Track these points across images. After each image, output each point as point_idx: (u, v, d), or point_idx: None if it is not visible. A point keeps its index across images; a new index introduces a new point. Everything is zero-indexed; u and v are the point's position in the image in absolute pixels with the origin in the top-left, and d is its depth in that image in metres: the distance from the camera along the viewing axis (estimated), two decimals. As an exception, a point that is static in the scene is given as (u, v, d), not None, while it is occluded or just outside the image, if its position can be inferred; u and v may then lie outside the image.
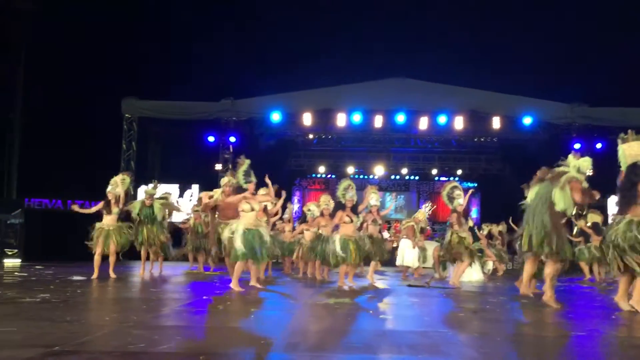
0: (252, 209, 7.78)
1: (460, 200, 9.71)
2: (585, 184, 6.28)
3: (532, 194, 6.67)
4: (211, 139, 20.66)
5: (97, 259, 9.34)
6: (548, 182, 6.38)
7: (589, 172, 6.46)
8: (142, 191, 18.55)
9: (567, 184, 6.15)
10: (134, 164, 19.70)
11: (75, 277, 9.05)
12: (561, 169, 6.39)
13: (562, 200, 6.14)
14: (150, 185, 10.90)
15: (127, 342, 3.56)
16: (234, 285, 7.54)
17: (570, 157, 6.42)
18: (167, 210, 11.00)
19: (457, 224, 9.46)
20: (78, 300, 6.24)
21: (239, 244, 7.45)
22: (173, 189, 20.35)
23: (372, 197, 9.99)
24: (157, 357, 3.24)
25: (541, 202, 6.35)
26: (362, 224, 9.98)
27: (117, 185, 9.81)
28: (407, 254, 12.48)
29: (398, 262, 12.73)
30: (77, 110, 19.09)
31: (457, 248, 9.32)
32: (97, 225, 9.52)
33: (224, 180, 8.37)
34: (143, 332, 3.96)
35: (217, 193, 8.59)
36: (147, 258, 10.99)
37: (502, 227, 13.92)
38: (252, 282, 8.06)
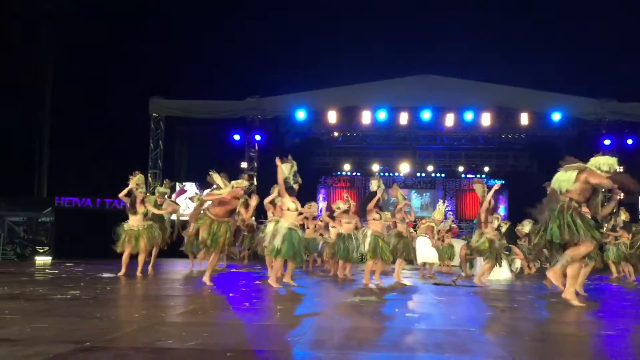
0: (296, 209, 8.09)
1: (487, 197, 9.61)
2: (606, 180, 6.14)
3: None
4: (237, 137, 20.80)
5: (125, 256, 9.46)
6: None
7: (614, 169, 6.30)
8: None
9: (577, 170, 6.13)
10: (161, 163, 19.95)
11: (105, 275, 9.20)
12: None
13: (563, 180, 6.13)
14: (163, 185, 10.76)
15: (156, 339, 3.61)
16: (272, 282, 7.80)
17: (592, 159, 6.37)
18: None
19: (485, 224, 9.40)
20: (107, 297, 6.34)
21: (278, 241, 7.73)
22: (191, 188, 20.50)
23: (400, 196, 10.02)
24: (185, 354, 3.28)
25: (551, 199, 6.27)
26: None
27: (143, 184, 9.94)
28: (426, 251, 12.28)
29: (418, 260, 12.55)
30: (105, 109, 19.39)
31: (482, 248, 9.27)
32: (126, 226, 9.55)
33: (241, 183, 8.24)
34: (171, 329, 4.01)
35: (227, 187, 8.40)
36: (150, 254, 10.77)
37: (528, 225, 13.66)
38: (286, 279, 8.21)
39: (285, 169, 8.25)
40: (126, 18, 20.38)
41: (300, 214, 8.84)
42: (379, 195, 9.19)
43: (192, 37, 22.29)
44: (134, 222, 9.56)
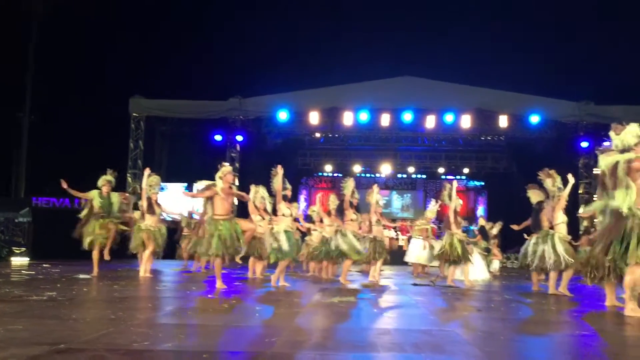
0: (291, 214, 8.55)
1: (460, 201, 9.84)
2: None
3: (599, 205, 5.75)
4: (218, 137, 20.70)
5: (146, 255, 9.71)
6: (612, 191, 5.46)
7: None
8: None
9: (626, 176, 5.32)
10: (141, 163, 19.77)
11: (82, 276, 9.11)
12: (609, 161, 5.54)
13: (624, 199, 5.31)
14: (108, 173, 9.96)
15: (132, 340, 3.59)
16: (274, 282, 8.39)
17: (611, 134, 5.64)
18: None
19: (456, 225, 9.53)
20: (84, 298, 6.28)
21: (285, 245, 8.25)
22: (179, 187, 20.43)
23: (375, 197, 10.07)
24: (160, 355, 3.26)
25: (609, 210, 5.55)
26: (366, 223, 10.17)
27: (157, 184, 10.07)
28: (416, 251, 12.72)
29: (406, 259, 13.07)
30: (84, 109, 19.21)
31: (452, 253, 9.38)
32: (143, 226, 9.74)
33: (225, 169, 7.99)
34: (147, 330, 3.98)
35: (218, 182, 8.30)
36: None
37: (497, 226, 14.08)
38: (282, 282, 8.53)
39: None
40: (107, 18, 20.22)
41: (296, 219, 9.09)
42: (347, 196, 9.43)
43: (173, 36, 22.17)
44: (151, 222, 9.82)
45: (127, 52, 20.61)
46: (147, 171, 10.07)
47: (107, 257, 9.72)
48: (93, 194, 9.63)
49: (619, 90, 19.70)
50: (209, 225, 7.60)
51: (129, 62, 20.55)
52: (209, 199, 7.74)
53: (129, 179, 19.69)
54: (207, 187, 7.86)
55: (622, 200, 5.32)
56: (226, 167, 8.01)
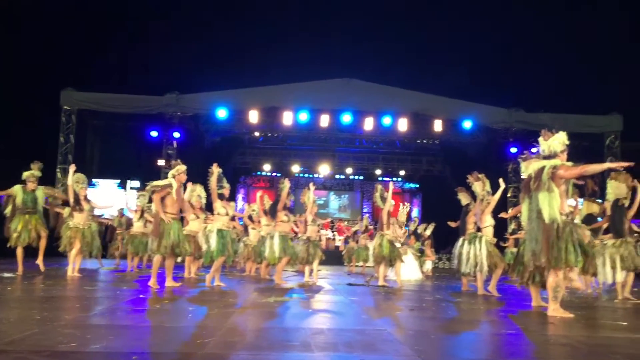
0: (227, 213, 8.43)
1: (393, 202, 10.03)
2: (569, 163, 5.64)
3: (524, 209, 5.90)
4: (154, 133, 20.26)
5: (73, 254, 9.38)
6: (535, 193, 5.68)
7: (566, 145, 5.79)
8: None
9: (550, 180, 5.56)
10: (72, 158, 19.05)
11: (6, 274, 8.72)
12: (536, 165, 5.78)
13: (548, 204, 5.54)
14: (34, 167, 9.59)
15: (58, 342, 3.47)
16: (208, 282, 8.33)
17: (540, 139, 5.92)
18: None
19: (387, 226, 9.73)
20: (8, 297, 6.01)
21: (213, 245, 8.17)
22: (111, 184, 19.91)
23: (311, 197, 10.12)
24: (88, 357, 3.16)
25: (534, 214, 5.73)
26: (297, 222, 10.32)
27: (84, 181, 9.75)
28: None
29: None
30: (13, 101, 18.34)
31: (381, 253, 9.57)
32: (71, 223, 9.48)
33: (179, 169, 7.91)
34: (75, 331, 3.86)
35: (171, 181, 8.19)
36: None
37: (430, 228, 14.58)
38: (217, 282, 8.47)
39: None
40: (39, 5, 19.39)
41: (232, 218, 9.01)
42: (282, 197, 9.41)
43: (108, 28, 21.50)
44: (79, 220, 9.54)
45: (59, 42, 19.83)
46: (72, 167, 9.75)
47: (41, 268, 9.49)
48: (15, 189, 9.33)
49: (548, 98, 20.63)
50: (159, 224, 7.55)
51: (61, 53, 19.78)
52: (161, 198, 7.70)
53: (59, 174, 18.97)
54: (163, 187, 7.75)
55: (546, 205, 5.56)
56: (181, 166, 7.92)
